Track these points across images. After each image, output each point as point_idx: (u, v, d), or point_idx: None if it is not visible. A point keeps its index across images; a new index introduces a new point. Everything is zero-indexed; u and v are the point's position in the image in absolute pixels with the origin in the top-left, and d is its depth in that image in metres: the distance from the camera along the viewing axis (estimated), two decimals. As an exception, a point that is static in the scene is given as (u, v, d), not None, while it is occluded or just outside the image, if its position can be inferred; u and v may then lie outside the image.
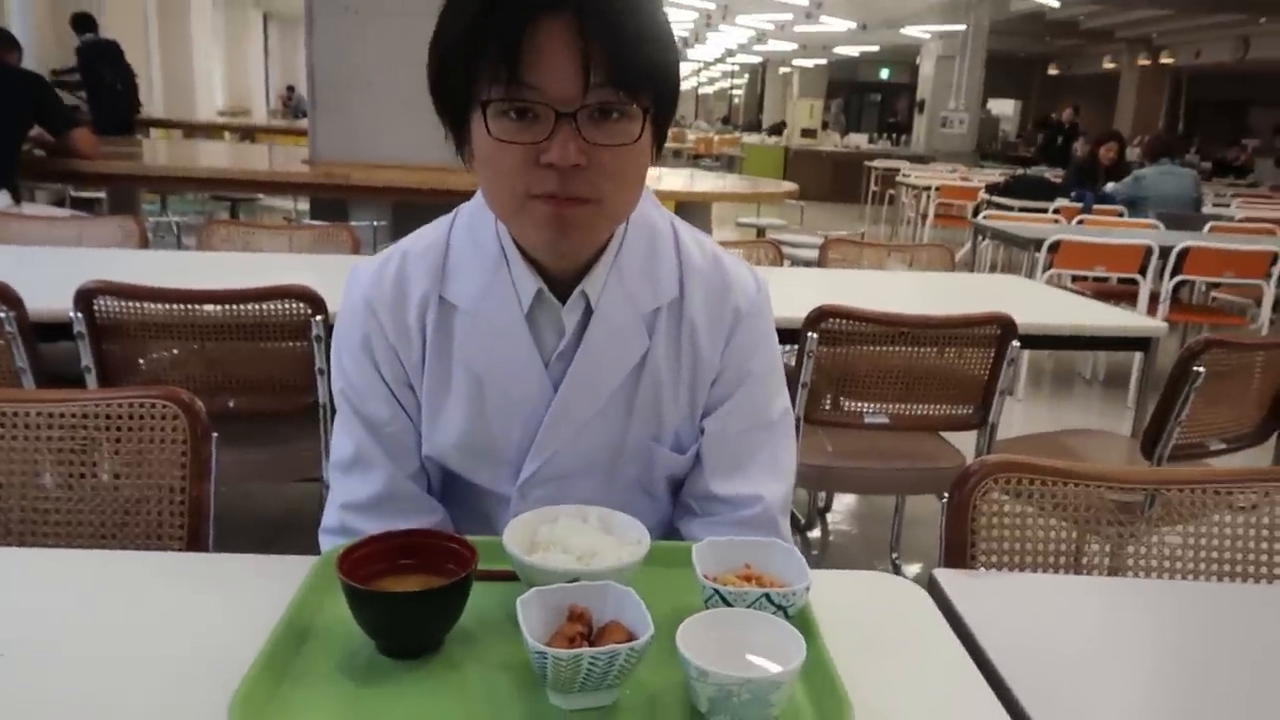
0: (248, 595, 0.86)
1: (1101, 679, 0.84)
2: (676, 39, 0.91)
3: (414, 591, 0.76)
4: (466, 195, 1.04)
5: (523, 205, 0.89)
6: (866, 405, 2.20)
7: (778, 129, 19.13)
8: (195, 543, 1.14)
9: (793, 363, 2.13)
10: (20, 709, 0.70)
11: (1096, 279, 4.79)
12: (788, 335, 1.83)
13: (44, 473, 1.16)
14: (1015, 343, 2.11)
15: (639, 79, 0.85)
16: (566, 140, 0.84)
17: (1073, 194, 6.65)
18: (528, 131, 0.85)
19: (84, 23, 7.50)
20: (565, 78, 0.83)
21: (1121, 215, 6.00)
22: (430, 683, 0.74)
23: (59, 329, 1.93)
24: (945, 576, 0.98)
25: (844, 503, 3.29)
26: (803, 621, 0.80)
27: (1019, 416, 4.19)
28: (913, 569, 2.82)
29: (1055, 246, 4.53)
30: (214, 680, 0.71)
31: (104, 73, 7.38)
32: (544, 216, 0.89)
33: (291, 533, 2.69)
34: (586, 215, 0.90)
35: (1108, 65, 19.28)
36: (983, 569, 1.10)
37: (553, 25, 0.82)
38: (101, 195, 5.61)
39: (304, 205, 6.45)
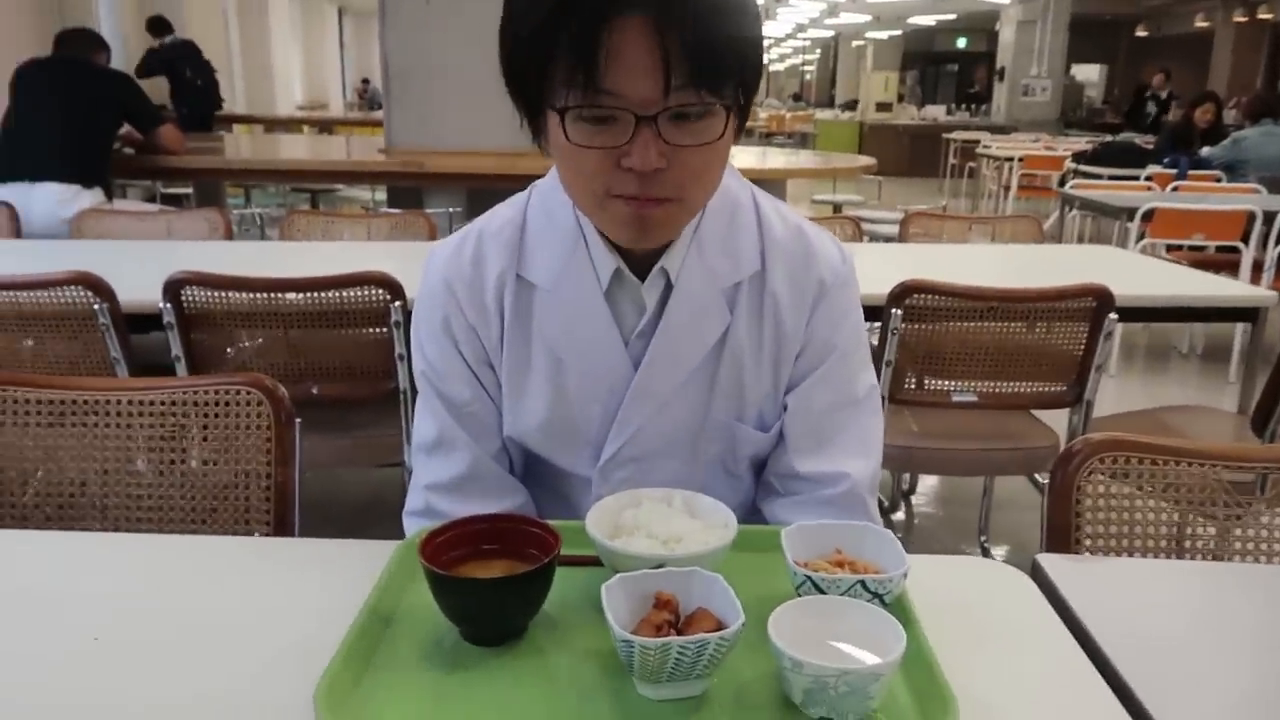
0: (333, 579, 0.86)
1: (1216, 665, 0.78)
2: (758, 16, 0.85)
3: (497, 578, 0.75)
4: (541, 176, 1.02)
5: (603, 204, 0.87)
6: (954, 383, 2.12)
7: (851, 105, 18.76)
8: (281, 528, 1.16)
9: (876, 341, 2.06)
10: (112, 692, 0.71)
11: (1193, 248, 4.56)
12: (870, 313, 1.76)
13: (137, 459, 1.19)
14: (1112, 315, 2.01)
15: (722, 77, 0.80)
16: (647, 144, 0.80)
17: (1166, 160, 6.34)
18: (607, 135, 0.81)
19: (159, 25, 7.71)
20: (645, 82, 0.78)
21: (1219, 180, 5.70)
22: (515, 670, 0.72)
23: (150, 320, 1.99)
24: (1049, 561, 0.93)
25: (928, 485, 3.21)
26: (900, 609, 0.76)
27: (1112, 393, 4.02)
28: (1000, 552, 2.73)
29: (1149, 215, 4.32)
30: (300, 665, 0.71)
31: (184, 71, 7.61)
32: (625, 216, 0.87)
33: (375, 518, 2.73)
34: (667, 214, 0.87)
35: (1200, 24, 18.35)
36: (1087, 553, 1.04)
37: (629, 25, 0.76)
38: (189, 191, 5.79)
39: (381, 194, 6.57)
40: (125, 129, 4.02)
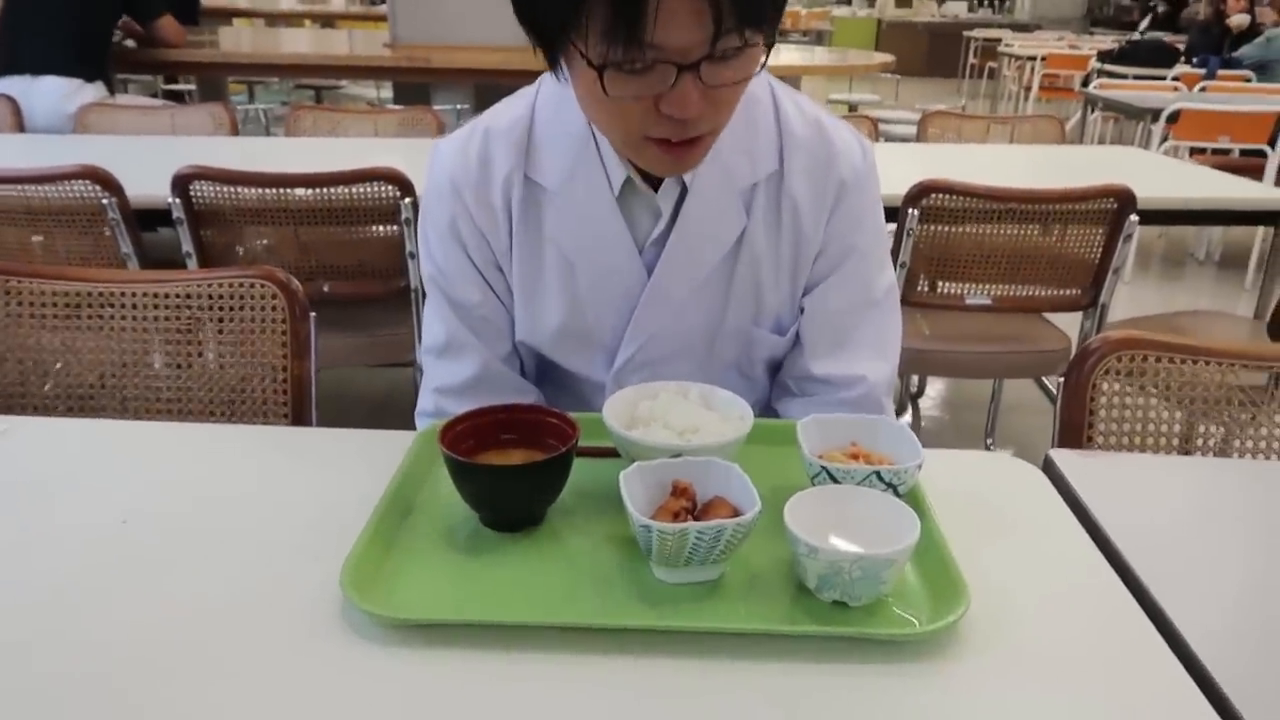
0: (353, 468, 0.87)
1: (1221, 556, 0.80)
2: None
3: (517, 464, 0.75)
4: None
5: (638, 146, 0.84)
6: (968, 286, 2.11)
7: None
8: (299, 421, 1.17)
9: (890, 241, 2.04)
10: (141, 574, 0.73)
11: (1216, 151, 4.45)
12: (886, 214, 1.74)
13: (153, 352, 1.20)
14: (1133, 217, 1.98)
15: (764, 13, 0.75)
16: (688, 91, 0.76)
17: (1195, 60, 6.15)
18: (645, 84, 0.76)
19: None
20: (692, 32, 0.72)
21: (1250, 80, 5.53)
22: (534, 554, 0.74)
23: (158, 216, 1.97)
24: (1062, 457, 0.93)
25: (935, 388, 3.22)
26: (914, 500, 0.77)
27: (1125, 299, 3.99)
28: (1006, 454, 2.76)
29: (1175, 117, 4.21)
30: (323, 549, 0.72)
31: None
32: (658, 157, 0.84)
33: (388, 416, 2.77)
34: (703, 147, 0.85)
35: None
36: (1098, 450, 1.05)
37: None
38: (191, 87, 5.68)
39: (386, 92, 6.43)
40: (124, 20, 3.92)
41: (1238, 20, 6.61)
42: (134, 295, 1.18)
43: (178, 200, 1.90)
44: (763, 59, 0.79)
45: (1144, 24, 10.58)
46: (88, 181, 1.92)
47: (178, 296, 1.18)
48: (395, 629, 0.66)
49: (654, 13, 0.71)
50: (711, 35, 0.73)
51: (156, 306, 1.18)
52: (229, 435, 1.00)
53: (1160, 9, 10.79)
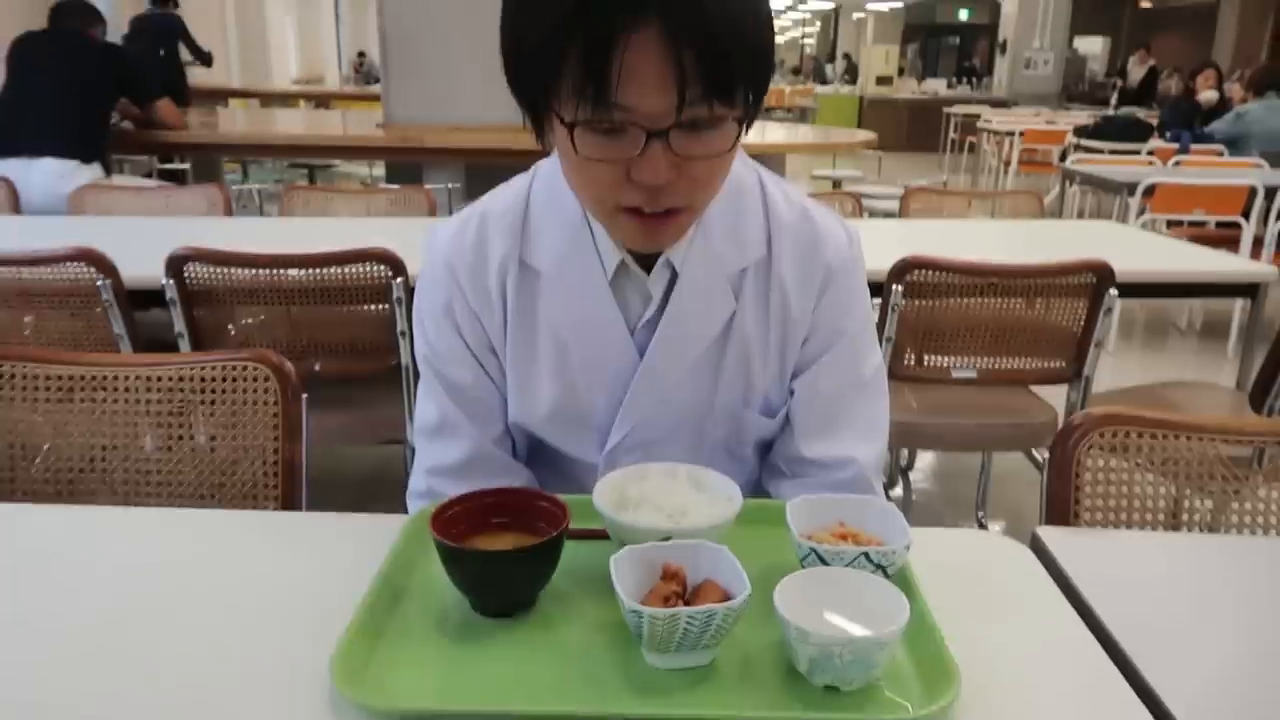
0: (342, 553, 0.87)
1: (1211, 635, 0.80)
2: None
3: (508, 550, 0.76)
4: (541, 154, 1.02)
5: (612, 215, 0.86)
6: (954, 359, 2.13)
7: (851, 72, 18.61)
8: (289, 503, 1.17)
9: (876, 316, 2.07)
10: (125, 663, 0.72)
11: (1193, 224, 4.55)
12: (871, 289, 1.77)
13: (144, 435, 1.20)
14: (1112, 291, 2.01)
15: (735, 88, 0.77)
16: (657, 157, 0.78)
17: (1168, 134, 6.32)
18: (616, 147, 0.79)
19: None
20: (658, 97, 0.75)
21: (1221, 155, 5.68)
22: (525, 641, 0.74)
23: (151, 296, 1.99)
24: (1049, 534, 0.94)
25: (925, 461, 3.23)
26: (903, 581, 0.78)
27: (1109, 370, 4.03)
28: (997, 527, 2.75)
29: (1150, 190, 4.31)
30: (313, 636, 0.72)
31: (158, 45, 7.42)
32: (633, 228, 0.86)
33: (378, 495, 2.75)
34: (677, 223, 0.87)
35: (1204, -4, 18.19)
36: (1085, 526, 1.05)
37: (643, 38, 0.73)
38: (185, 167, 5.77)
39: (379, 170, 6.54)
40: (122, 102, 4.00)
41: (1207, 97, 6.82)
42: (126, 379, 1.19)
43: (171, 281, 1.92)
44: (736, 136, 0.82)
45: (1114, 98, 10.93)
46: (82, 263, 1.94)
47: (170, 379, 1.19)
48: (385, 718, 0.65)
49: (618, 74, 0.74)
50: (677, 103, 0.76)
51: (149, 389, 1.19)
52: (217, 520, 1.00)
53: (1125, 85, 11.17)
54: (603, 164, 0.81)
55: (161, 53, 7.23)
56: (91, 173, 3.64)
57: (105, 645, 0.74)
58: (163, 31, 7.16)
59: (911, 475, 3.10)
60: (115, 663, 0.72)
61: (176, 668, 0.72)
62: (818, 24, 26.73)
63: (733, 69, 0.77)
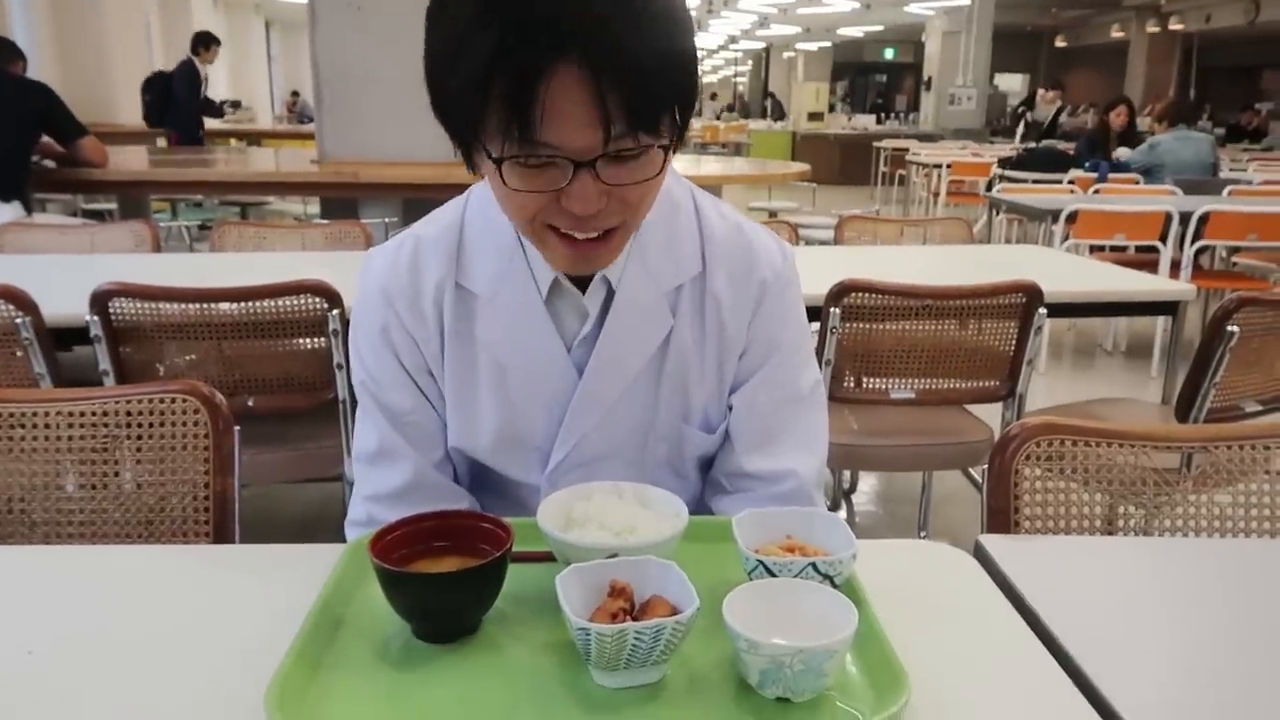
0: (278, 585, 0.84)
1: (1156, 636, 0.81)
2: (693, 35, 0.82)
3: (450, 572, 0.74)
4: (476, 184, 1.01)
5: (542, 237, 0.86)
6: (892, 381, 2.16)
7: (776, 110, 19.00)
8: (221, 537, 1.13)
9: (815, 340, 2.09)
10: (50, 706, 0.69)
11: (1114, 248, 4.72)
12: (809, 313, 1.79)
13: (66, 474, 1.15)
14: (1042, 310, 2.07)
15: (660, 118, 0.78)
16: (585, 187, 0.78)
17: (1087, 164, 6.57)
18: (544, 179, 0.79)
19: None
20: (583, 133, 0.75)
21: (1138, 183, 5.92)
22: (470, 665, 0.72)
23: (76, 335, 1.92)
24: (991, 541, 0.95)
25: (868, 483, 3.26)
26: (850, 590, 0.78)
27: (1041, 389, 4.14)
28: (948, 546, 2.78)
29: (1073, 217, 4.46)
30: (248, 671, 0.69)
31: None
32: (567, 254, 0.86)
33: (318, 533, 2.68)
34: (609, 246, 0.87)
35: (1116, 34, 19.06)
36: (1025, 534, 1.07)
37: (565, 77, 0.73)
38: (112, 206, 5.62)
39: (314, 208, 6.45)
40: (44, 140, 3.89)
41: (1118, 126, 7.08)
42: (47, 415, 1.14)
43: (96, 318, 1.86)
44: (663, 161, 0.82)
45: (1020, 130, 11.37)
46: (0, 301, 1.87)
47: (94, 415, 1.15)
48: (324, 752, 0.63)
49: (542, 112, 0.74)
50: (603, 139, 0.76)
51: (71, 425, 1.14)
52: (144, 556, 0.96)
53: (1028, 116, 11.65)
54: (532, 194, 0.81)
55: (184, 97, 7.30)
56: (12, 211, 3.53)
57: (23, 691, 0.70)
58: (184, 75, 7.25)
59: (855, 498, 3.13)
60: (42, 704, 0.68)
61: (100, 711, 0.68)
62: (750, 63, 27.30)
63: (656, 101, 0.77)
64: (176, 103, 7.62)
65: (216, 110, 7.66)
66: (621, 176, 0.80)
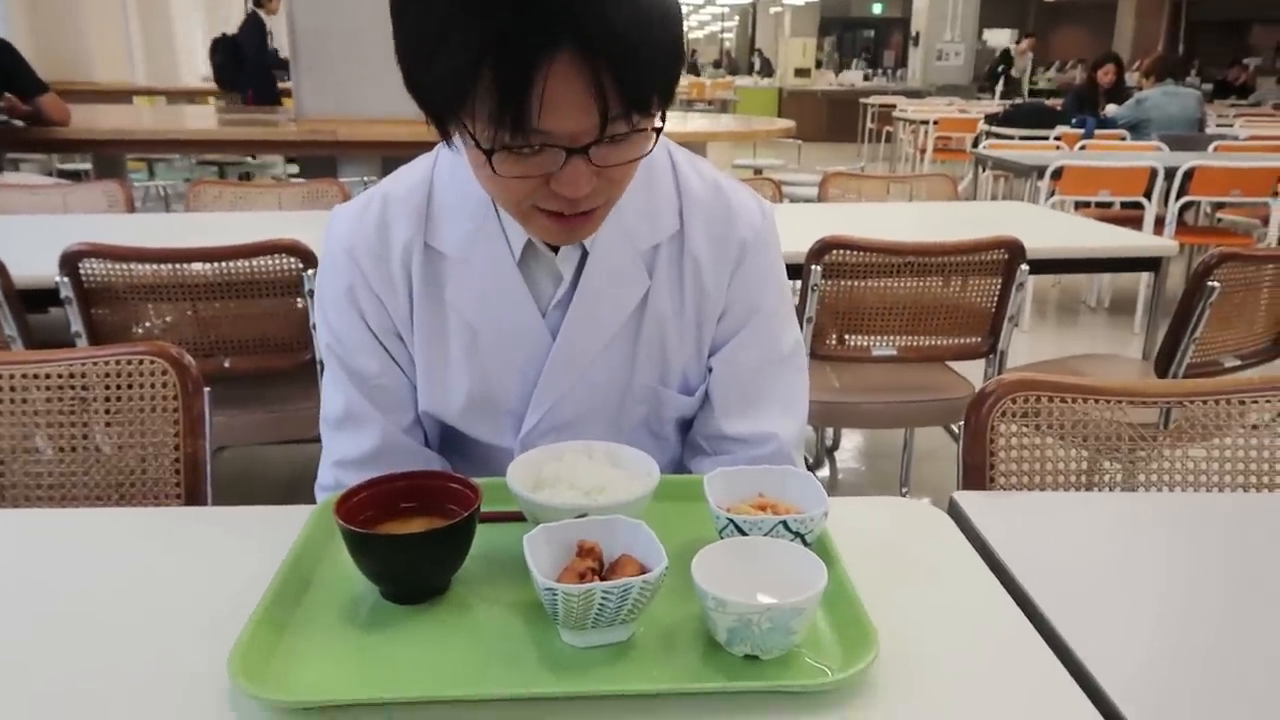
0: (248, 546, 0.83)
1: (1127, 592, 0.81)
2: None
3: (417, 533, 0.73)
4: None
5: (529, 216, 0.84)
6: (874, 339, 2.16)
7: (765, 68, 18.80)
8: (193, 500, 1.12)
9: (796, 299, 2.08)
10: (21, 666, 0.68)
11: (1099, 204, 4.71)
12: (791, 271, 1.78)
13: (35, 435, 1.13)
14: (1024, 267, 2.06)
15: (653, 98, 0.76)
16: (578, 172, 0.77)
17: (1073, 120, 6.53)
18: (535, 164, 0.77)
19: None
20: (578, 119, 0.73)
21: (1124, 139, 5.89)
22: (438, 626, 0.71)
23: (47, 296, 1.89)
24: (965, 498, 0.95)
25: (852, 440, 3.27)
26: (822, 548, 0.77)
27: (1025, 346, 4.15)
28: (922, 502, 2.81)
29: (1058, 173, 4.44)
30: (217, 636, 0.68)
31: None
32: (549, 228, 0.84)
33: (299, 496, 2.66)
34: (593, 220, 0.85)
35: (1104, -12, 18.87)
36: (1001, 490, 1.07)
37: (561, 65, 0.71)
38: (88, 166, 5.52)
39: (293, 169, 6.36)
40: (9, 99, 3.80)
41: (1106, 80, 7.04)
42: (13, 377, 1.12)
43: (66, 279, 1.83)
44: (653, 138, 0.80)
45: (999, 87, 11.32)
46: (-33, 262, 1.84)
47: (61, 376, 1.13)
48: (291, 713, 0.62)
49: (539, 102, 0.71)
50: (599, 123, 0.74)
51: (39, 388, 1.13)
52: (113, 518, 0.95)
53: (1010, 73, 11.63)
54: (522, 180, 0.79)
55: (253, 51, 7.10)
56: (-19, 171, 3.45)
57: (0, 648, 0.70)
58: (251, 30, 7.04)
59: (837, 455, 3.14)
60: (9, 664, 0.68)
61: (65, 674, 0.67)
62: (736, 18, 26.94)
63: (649, 82, 0.75)
64: (246, 60, 7.35)
65: (284, 64, 7.39)
66: (612, 158, 0.78)
